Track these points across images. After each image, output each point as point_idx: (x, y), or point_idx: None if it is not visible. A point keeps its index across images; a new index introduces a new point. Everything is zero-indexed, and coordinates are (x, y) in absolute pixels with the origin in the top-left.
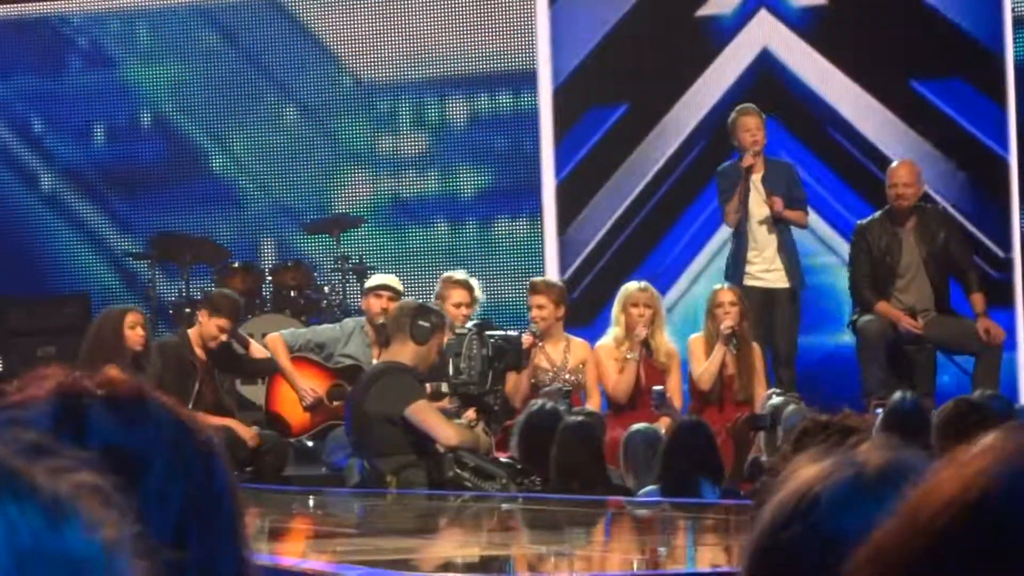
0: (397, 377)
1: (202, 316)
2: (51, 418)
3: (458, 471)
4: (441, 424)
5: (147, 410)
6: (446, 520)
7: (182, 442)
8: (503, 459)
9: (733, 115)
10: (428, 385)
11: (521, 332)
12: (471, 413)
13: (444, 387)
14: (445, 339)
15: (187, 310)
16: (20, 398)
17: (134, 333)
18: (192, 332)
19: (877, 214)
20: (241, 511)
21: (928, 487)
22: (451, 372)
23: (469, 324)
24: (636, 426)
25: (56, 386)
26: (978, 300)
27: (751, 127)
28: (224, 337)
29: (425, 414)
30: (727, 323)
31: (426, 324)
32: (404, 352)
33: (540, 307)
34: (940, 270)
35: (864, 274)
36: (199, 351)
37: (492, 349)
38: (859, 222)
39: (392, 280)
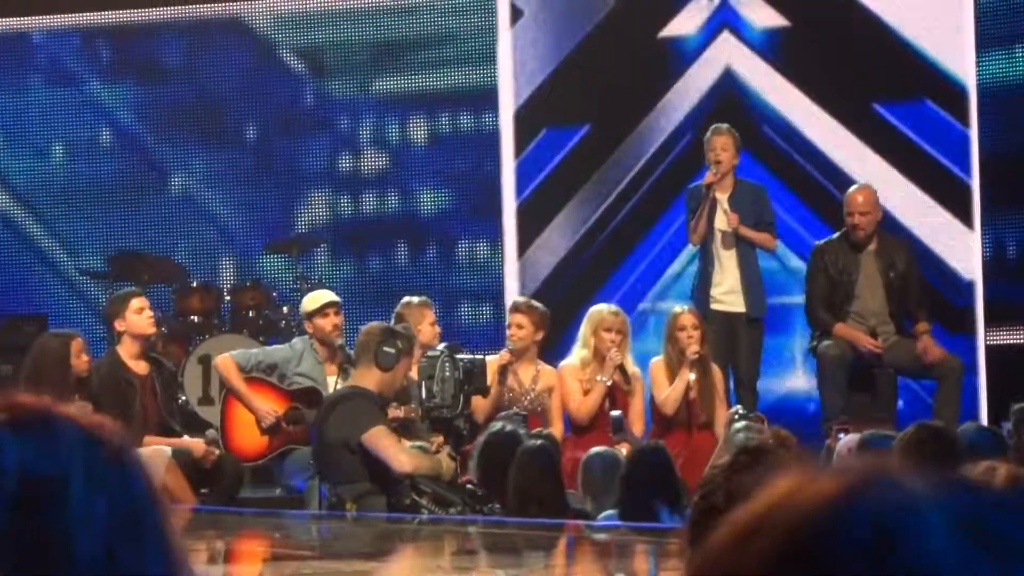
0: (356, 403)
1: (119, 324)
2: None
3: (415, 498)
4: (396, 450)
5: (55, 430)
6: (404, 544)
7: (95, 457)
8: (467, 485)
9: (707, 133)
10: (402, 408)
11: (484, 355)
12: (438, 438)
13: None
14: (413, 362)
15: (109, 329)
16: None
17: (80, 360)
18: (121, 348)
19: (835, 235)
20: (167, 517)
21: (765, 508)
22: (423, 395)
23: (440, 346)
24: (595, 449)
25: None
26: (922, 325)
27: (715, 146)
28: (149, 313)
29: (380, 440)
30: (693, 348)
31: (391, 350)
32: (368, 377)
33: (520, 326)
34: (896, 295)
35: (821, 295)
36: (133, 365)
37: (462, 372)
38: (816, 243)
39: (330, 294)
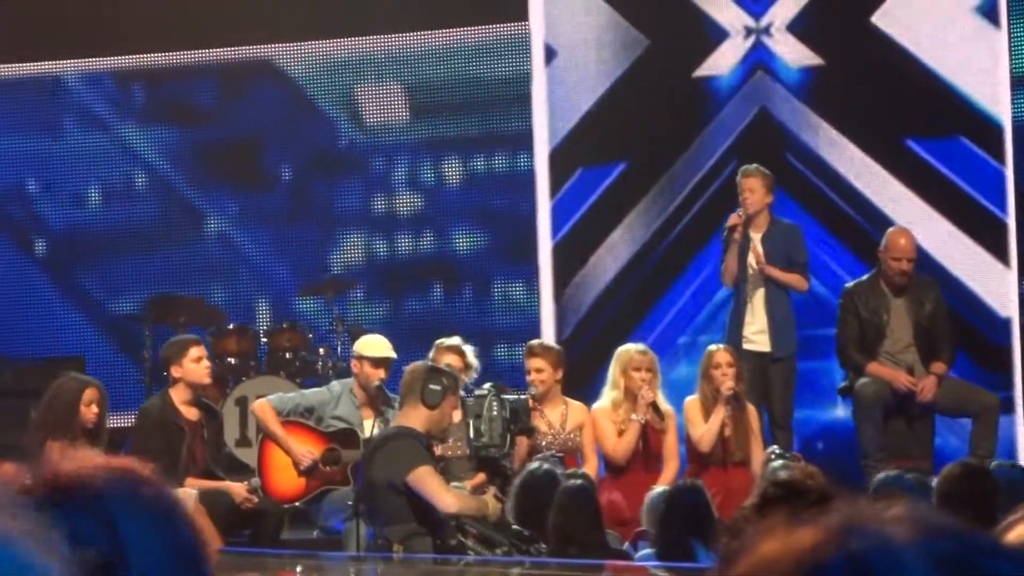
0: (402, 442)
1: (175, 371)
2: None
3: (461, 539)
4: (441, 491)
5: (108, 511)
6: None
7: (146, 524)
8: (513, 526)
9: (738, 175)
10: (445, 447)
11: (521, 396)
12: (480, 477)
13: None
14: (458, 401)
15: (164, 373)
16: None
17: (88, 410)
18: (174, 392)
19: (865, 277)
20: (211, 562)
21: (758, 558)
22: (471, 434)
23: (487, 385)
24: (659, 487)
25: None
26: (938, 365)
27: (743, 187)
28: (207, 364)
29: (425, 481)
30: (728, 384)
31: (437, 387)
32: (415, 416)
33: (539, 370)
34: (925, 334)
35: (852, 337)
36: (184, 410)
37: (509, 411)
38: (847, 285)
39: (390, 350)
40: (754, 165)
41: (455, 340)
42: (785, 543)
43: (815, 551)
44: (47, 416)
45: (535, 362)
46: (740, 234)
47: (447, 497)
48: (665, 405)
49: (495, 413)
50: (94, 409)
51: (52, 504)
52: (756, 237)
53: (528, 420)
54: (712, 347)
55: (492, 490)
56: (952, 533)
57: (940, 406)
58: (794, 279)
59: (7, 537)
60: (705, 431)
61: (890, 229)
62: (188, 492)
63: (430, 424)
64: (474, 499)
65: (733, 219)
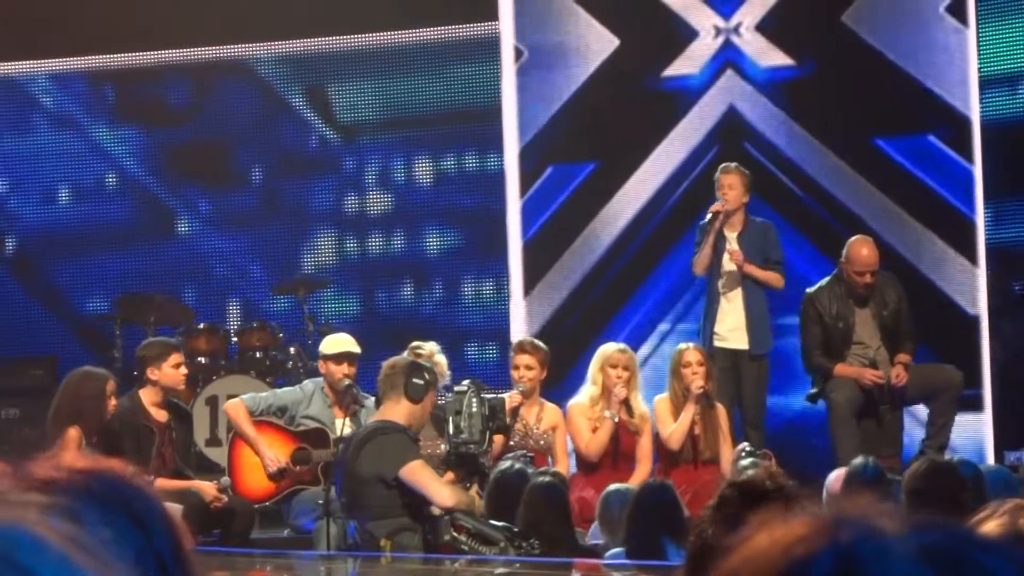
0: (392, 436)
1: (152, 372)
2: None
3: (455, 535)
4: (437, 485)
5: (77, 516)
6: None
7: (123, 533)
8: (499, 523)
9: (717, 172)
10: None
11: (499, 395)
12: (449, 476)
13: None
14: (436, 397)
15: (136, 373)
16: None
17: (110, 403)
18: (143, 393)
19: (825, 281)
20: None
21: (739, 558)
22: (451, 431)
23: (465, 382)
24: (613, 486)
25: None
26: (904, 356)
27: (724, 183)
28: (185, 370)
29: (420, 475)
30: (698, 383)
31: (420, 382)
32: (398, 411)
33: (529, 367)
34: (890, 330)
35: (815, 343)
36: (153, 412)
37: (488, 408)
38: (807, 291)
39: (351, 345)
40: (734, 164)
41: (431, 346)
42: (774, 536)
43: (804, 544)
44: (76, 407)
45: (525, 359)
46: (720, 222)
47: (443, 490)
48: (642, 407)
49: (475, 409)
50: (112, 401)
51: (89, 499)
52: (732, 236)
53: (505, 418)
54: (682, 345)
55: (475, 487)
56: (939, 526)
57: (906, 395)
58: (772, 277)
59: (49, 543)
60: (675, 429)
61: (851, 240)
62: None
63: (411, 419)
64: (467, 494)
65: (716, 207)
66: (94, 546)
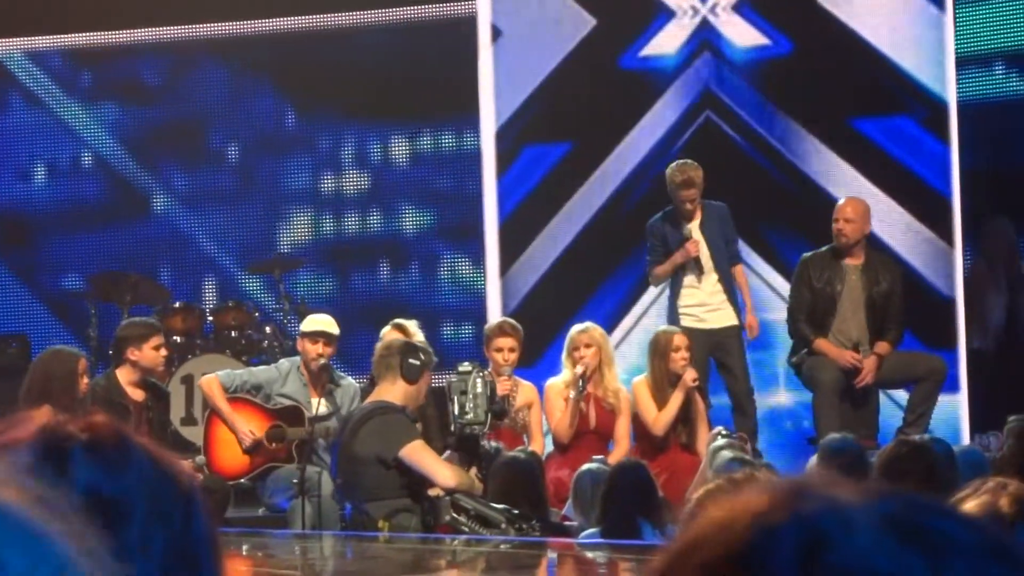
0: (390, 417)
1: (132, 353)
2: (33, 461)
3: (455, 515)
4: (438, 465)
5: (129, 456)
6: (370, 563)
7: (163, 490)
8: (499, 505)
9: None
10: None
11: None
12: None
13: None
14: (431, 378)
15: (113, 352)
16: (2, 440)
17: (83, 381)
18: (120, 372)
19: (823, 248)
20: (221, 559)
21: (700, 529)
22: (456, 411)
23: (466, 363)
24: (585, 466)
25: (39, 429)
26: (884, 345)
27: (691, 182)
28: (165, 352)
29: (421, 455)
30: (693, 375)
31: (416, 362)
32: (394, 391)
33: (512, 350)
34: (877, 313)
35: (802, 307)
36: (130, 391)
37: (490, 390)
38: (804, 255)
39: (329, 325)
40: (689, 162)
41: (411, 324)
42: (734, 508)
43: (765, 514)
44: (46, 386)
45: (508, 341)
46: (686, 258)
47: (444, 471)
48: (615, 384)
49: (480, 390)
50: (85, 380)
51: (75, 441)
52: (693, 226)
53: (503, 402)
54: (668, 328)
55: (474, 469)
56: (899, 496)
57: (886, 380)
58: (743, 279)
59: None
60: (661, 416)
61: None
62: None
63: (407, 399)
64: (468, 475)
65: (692, 249)
66: (62, 506)
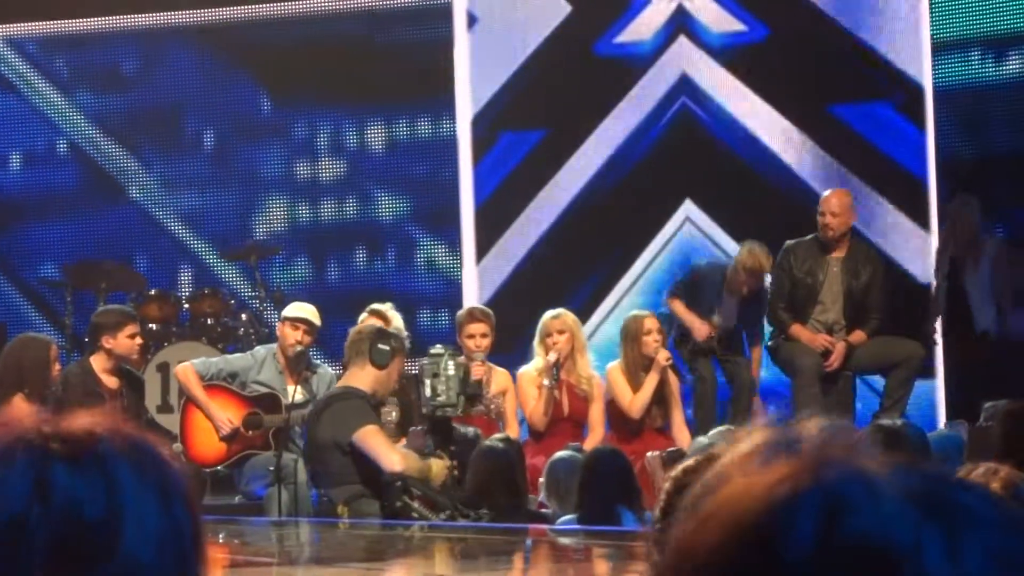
0: (349, 402)
1: (107, 341)
2: (23, 484)
3: (407, 500)
4: (386, 449)
5: (111, 469)
6: (350, 549)
7: (147, 501)
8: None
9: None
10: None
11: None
12: (402, 441)
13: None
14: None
15: (88, 339)
16: None
17: (54, 367)
18: (95, 359)
19: (807, 237)
20: (205, 548)
21: (729, 493)
22: (427, 393)
23: (439, 346)
24: (559, 453)
25: (13, 439)
26: (859, 335)
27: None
28: (140, 340)
29: (370, 439)
30: (665, 354)
31: (386, 348)
32: (363, 377)
33: (484, 335)
34: (856, 305)
35: (782, 295)
36: (104, 379)
37: (463, 372)
38: (787, 243)
39: (311, 314)
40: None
41: (386, 306)
42: (756, 478)
43: (787, 484)
44: (18, 375)
45: (479, 327)
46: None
47: (392, 455)
48: (588, 371)
49: (451, 373)
50: (57, 367)
51: (52, 457)
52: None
53: (476, 385)
54: (638, 313)
55: (444, 457)
56: (921, 469)
57: (864, 366)
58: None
59: None
60: (637, 398)
61: None
62: None
63: (377, 385)
64: (419, 460)
65: (705, 334)
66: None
